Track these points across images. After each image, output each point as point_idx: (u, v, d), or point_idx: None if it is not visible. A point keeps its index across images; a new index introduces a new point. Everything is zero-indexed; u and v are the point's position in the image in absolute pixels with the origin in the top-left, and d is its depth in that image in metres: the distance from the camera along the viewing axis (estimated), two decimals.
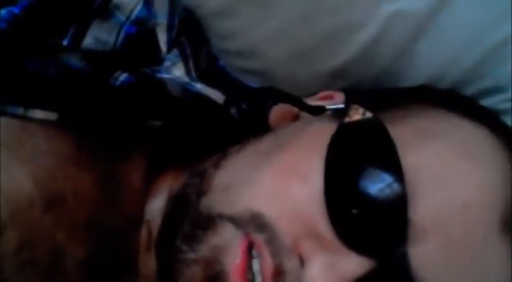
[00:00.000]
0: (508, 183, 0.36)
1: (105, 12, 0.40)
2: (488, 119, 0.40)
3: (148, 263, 0.40)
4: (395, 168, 0.34)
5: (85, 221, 0.39)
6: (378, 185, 0.34)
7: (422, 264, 0.33)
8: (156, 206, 0.41)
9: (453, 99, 0.44)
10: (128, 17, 0.41)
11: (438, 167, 0.35)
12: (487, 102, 0.47)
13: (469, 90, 0.48)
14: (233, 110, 0.46)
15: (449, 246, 0.34)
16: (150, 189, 0.42)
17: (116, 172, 0.41)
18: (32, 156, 0.37)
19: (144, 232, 0.41)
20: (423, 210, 0.34)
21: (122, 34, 0.41)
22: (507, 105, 0.47)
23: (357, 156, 0.36)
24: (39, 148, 0.37)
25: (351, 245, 0.34)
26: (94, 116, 0.39)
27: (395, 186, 0.34)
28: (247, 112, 0.47)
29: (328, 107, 0.41)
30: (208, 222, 0.36)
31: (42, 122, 0.38)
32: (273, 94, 0.46)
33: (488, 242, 0.35)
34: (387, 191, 0.34)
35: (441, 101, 0.41)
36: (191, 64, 0.46)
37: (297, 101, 0.43)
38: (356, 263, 0.33)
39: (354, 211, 0.34)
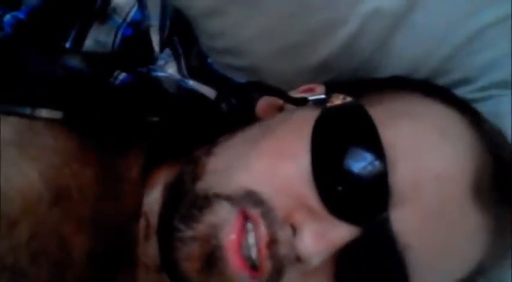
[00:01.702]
0: (477, 156, 0.40)
1: (104, 15, 0.42)
2: (457, 102, 0.44)
3: (148, 252, 0.43)
4: (375, 144, 0.38)
5: (89, 214, 0.41)
6: (360, 160, 0.38)
7: (403, 228, 0.37)
8: (153, 197, 0.43)
9: (425, 86, 0.47)
10: (124, 19, 0.44)
11: (413, 142, 0.39)
12: (457, 92, 0.50)
13: (441, 82, 0.51)
14: (224, 105, 0.49)
15: (426, 211, 0.37)
16: (147, 182, 0.44)
17: (116, 167, 0.43)
18: (41, 153, 0.39)
19: (142, 223, 0.43)
20: (401, 178, 0.37)
21: (119, 36, 0.43)
22: (475, 95, 0.51)
23: (340, 136, 0.39)
24: (46, 146, 0.39)
25: (339, 215, 0.37)
26: (96, 114, 0.41)
27: (376, 160, 0.37)
28: (236, 106, 0.49)
29: (310, 98, 0.44)
30: (204, 202, 0.38)
31: (48, 120, 0.40)
32: (259, 88, 0.48)
33: (462, 208, 0.38)
34: (368, 165, 0.37)
35: (415, 88, 0.45)
36: (183, 62, 0.49)
37: (281, 93, 0.46)
38: (344, 231, 0.37)
39: (340, 184, 0.37)
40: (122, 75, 0.43)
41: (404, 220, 0.37)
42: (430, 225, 0.38)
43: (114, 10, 0.43)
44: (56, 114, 0.40)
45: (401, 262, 0.37)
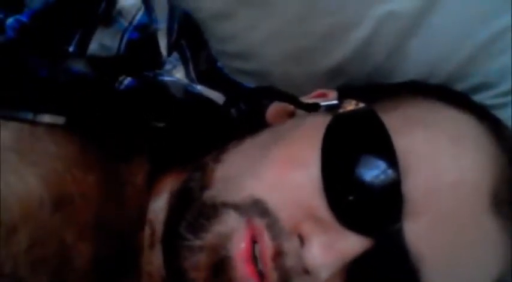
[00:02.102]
0: (495, 165, 0.38)
1: (109, 18, 0.42)
2: (475, 108, 0.43)
3: (152, 260, 0.42)
4: (388, 152, 0.36)
5: (91, 221, 0.40)
6: (373, 168, 0.36)
7: (416, 239, 0.35)
8: (159, 205, 0.42)
9: (442, 91, 0.46)
10: (130, 22, 0.43)
11: (428, 150, 0.37)
12: (476, 98, 0.48)
13: (459, 87, 0.50)
14: (233, 110, 0.48)
15: (441, 222, 0.36)
16: (153, 189, 0.43)
17: (120, 173, 0.42)
18: (42, 159, 0.38)
19: (147, 231, 0.42)
20: (414, 187, 0.36)
21: (124, 40, 0.42)
22: (495, 100, 0.49)
23: (352, 143, 0.38)
24: (47, 152, 0.39)
25: (349, 226, 0.35)
26: (99, 119, 0.40)
27: (389, 169, 0.36)
28: (246, 111, 0.48)
29: (322, 103, 0.42)
30: (212, 211, 0.37)
31: (50, 126, 0.39)
32: (270, 93, 0.47)
33: (478, 219, 0.37)
34: (381, 173, 0.36)
35: (431, 93, 0.43)
36: (191, 66, 0.48)
37: (292, 99, 0.44)
38: (354, 242, 0.35)
39: (351, 194, 0.36)
40: (127, 80, 0.42)
41: (418, 231, 0.35)
42: (445, 236, 0.36)
43: (120, 13, 0.42)
44: (59, 120, 0.39)
45: (414, 275, 0.36)
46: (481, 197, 0.37)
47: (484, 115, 0.42)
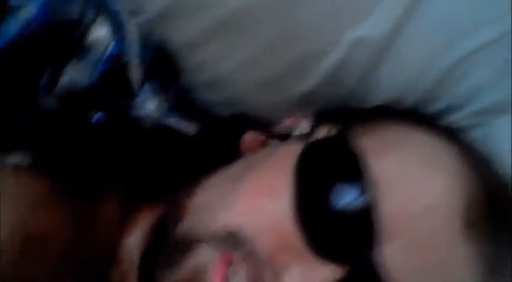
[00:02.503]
0: (466, 187, 0.39)
1: (81, 51, 0.41)
2: (446, 132, 0.44)
3: None
4: (360, 178, 0.37)
5: (62, 261, 0.39)
6: (345, 194, 0.37)
7: (391, 265, 0.36)
8: (133, 241, 0.42)
9: (413, 116, 0.46)
10: (102, 54, 0.42)
11: (400, 174, 0.38)
12: (445, 120, 0.50)
13: (428, 110, 0.50)
14: (206, 141, 0.48)
15: (415, 246, 0.36)
16: (127, 225, 0.43)
17: (91, 210, 0.42)
18: (5, 201, 0.37)
19: (121, 268, 0.42)
20: (388, 214, 0.36)
21: (96, 72, 0.42)
22: (463, 122, 0.50)
23: (324, 171, 0.38)
24: (12, 193, 0.38)
25: (324, 255, 0.36)
26: (69, 156, 0.40)
27: (362, 196, 0.36)
28: (219, 142, 0.48)
29: (295, 131, 0.42)
30: (186, 245, 0.37)
31: (15, 166, 0.38)
32: (243, 122, 0.47)
33: (452, 241, 0.37)
34: (354, 200, 0.36)
35: (402, 117, 0.44)
36: (163, 98, 0.48)
37: (265, 127, 0.45)
38: (330, 271, 0.35)
39: (324, 222, 0.36)
40: (98, 114, 0.42)
41: (393, 257, 0.36)
42: (419, 260, 0.36)
43: (91, 45, 0.42)
44: (24, 160, 0.39)
45: None
46: (454, 220, 0.37)
47: (454, 138, 0.43)
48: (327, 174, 0.38)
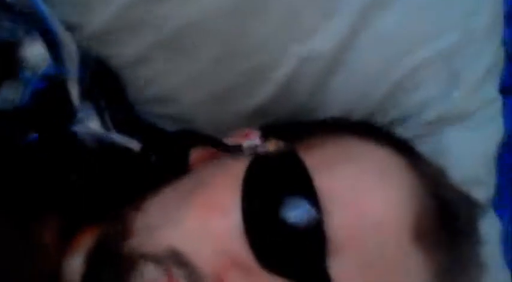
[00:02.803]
0: (416, 198, 0.38)
1: (11, 70, 0.39)
2: (396, 143, 0.43)
3: None
4: (309, 192, 0.36)
5: None
6: (294, 209, 0.35)
7: (342, 277, 0.35)
8: (74, 265, 0.40)
9: (363, 127, 0.46)
10: (35, 72, 0.41)
11: (350, 187, 0.37)
12: (396, 131, 0.49)
13: (379, 121, 0.50)
14: (152, 157, 0.46)
15: (366, 260, 0.35)
16: (68, 248, 0.41)
17: (28, 234, 0.39)
18: None
19: None
20: (338, 227, 0.35)
21: (29, 91, 0.40)
22: (413, 132, 0.50)
23: (272, 185, 0.37)
24: None
25: (273, 270, 0.34)
26: (3, 175, 0.38)
27: (311, 210, 0.35)
28: (167, 157, 0.47)
29: (244, 144, 0.42)
30: (130, 263, 0.36)
31: None
32: (191, 136, 0.46)
33: (402, 253, 0.37)
34: (303, 214, 0.35)
35: (352, 130, 0.43)
36: (106, 115, 0.46)
37: (213, 141, 0.43)
38: None
39: (273, 237, 0.35)
40: (32, 135, 0.40)
41: (342, 270, 0.35)
42: (370, 273, 0.36)
43: (23, 63, 0.40)
44: None
45: None
46: (404, 231, 0.37)
47: (404, 149, 0.43)
48: (276, 187, 0.37)
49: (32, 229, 0.39)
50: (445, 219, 0.39)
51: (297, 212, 0.35)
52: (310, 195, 0.36)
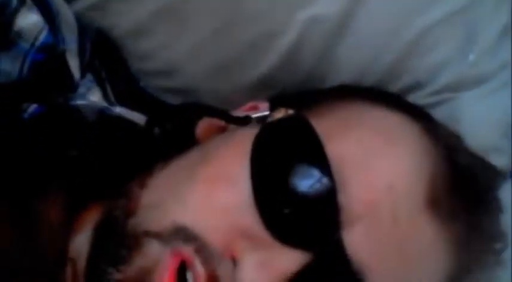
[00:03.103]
0: (430, 164, 0.37)
1: (6, 42, 0.38)
2: (408, 108, 0.42)
3: None
4: (321, 160, 0.35)
5: (5, 265, 0.36)
6: (306, 178, 0.34)
7: (357, 247, 0.34)
8: (81, 241, 0.39)
9: (374, 93, 0.45)
10: (33, 44, 0.39)
11: (363, 154, 0.36)
12: (409, 98, 0.48)
13: (391, 88, 0.49)
14: (157, 130, 0.45)
15: (380, 227, 0.35)
16: (74, 224, 0.40)
17: (32, 211, 0.39)
18: None
19: (69, 271, 0.39)
20: (351, 195, 0.34)
21: (27, 63, 0.39)
22: (428, 100, 0.49)
23: (282, 154, 0.36)
24: None
25: (285, 240, 0.33)
26: (3, 152, 0.37)
27: (323, 178, 0.34)
28: (172, 131, 0.45)
29: (253, 115, 0.40)
30: (134, 241, 0.35)
31: None
32: (197, 109, 0.45)
33: (416, 220, 0.36)
34: (315, 183, 0.34)
35: (363, 96, 0.42)
36: (108, 88, 0.45)
37: (221, 113, 0.42)
38: (292, 258, 0.33)
39: (285, 207, 0.34)
40: (32, 107, 0.39)
41: (358, 239, 0.34)
42: (384, 242, 0.35)
43: (19, 35, 0.39)
44: None
45: None
46: (418, 197, 0.36)
47: (417, 114, 0.41)
48: (286, 156, 0.35)
49: (36, 207, 0.39)
50: (461, 186, 0.38)
51: (308, 180, 0.34)
52: (322, 162, 0.34)
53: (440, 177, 0.37)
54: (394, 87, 0.49)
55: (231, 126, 0.42)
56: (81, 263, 0.38)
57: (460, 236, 0.37)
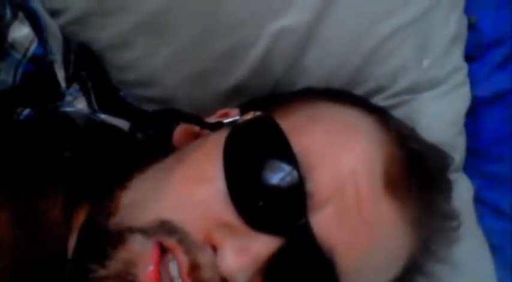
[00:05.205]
0: (385, 149, 0.41)
1: (1, 52, 0.40)
2: (363, 104, 0.46)
3: None
4: (286, 152, 0.38)
5: (9, 263, 0.38)
6: (275, 170, 0.38)
7: (325, 230, 0.37)
8: (74, 239, 0.41)
9: (332, 93, 0.49)
10: (24, 55, 0.42)
11: (326, 144, 0.40)
12: (372, 100, 0.52)
13: (356, 92, 0.52)
14: (139, 135, 0.47)
15: (346, 209, 0.38)
16: (72, 223, 0.42)
17: (34, 209, 0.40)
18: None
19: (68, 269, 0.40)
20: (317, 183, 0.38)
21: (19, 72, 0.41)
22: (388, 102, 0.53)
23: (252, 149, 0.39)
24: None
25: (259, 227, 0.36)
26: (2, 154, 0.39)
27: (290, 168, 0.37)
28: (153, 137, 0.48)
29: (225, 121, 0.44)
30: (117, 237, 0.37)
31: None
32: (173, 115, 0.47)
33: (377, 201, 0.39)
34: (283, 174, 0.37)
35: (323, 96, 0.46)
36: (93, 97, 0.47)
37: (195, 119, 0.45)
38: (266, 243, 0.36)
39: (257, 197, 0.37)
40: (26, 111, 0.41)
41: (325, 222, 0.37)
42: (349, 223, 0.38)
43: (12, 46, 0.41)
44: None
45: (328, 265, 0.37)
46: (377, 180, 0.40)
47: (371, 109, 0.46)
48: (255, 152, 0.39)
49: (38, 207, 0.40)
50: (414, 167, 0.42)
51: (277, 173, 0.37)
52: (288, 156, 0.38)
53: (395, 160, 0.41)
54: (359, 91, 0.52)
55: (205, 132, 0.45)
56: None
57: (416, 215, 0.41)
